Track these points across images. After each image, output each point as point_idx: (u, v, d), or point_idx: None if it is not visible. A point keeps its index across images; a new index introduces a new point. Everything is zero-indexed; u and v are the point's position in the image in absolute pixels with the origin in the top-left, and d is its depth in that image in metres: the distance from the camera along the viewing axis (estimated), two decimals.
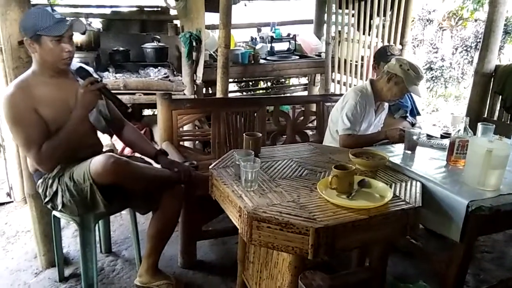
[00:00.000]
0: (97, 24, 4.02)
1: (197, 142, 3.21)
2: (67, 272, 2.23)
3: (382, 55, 2.96)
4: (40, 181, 1.91)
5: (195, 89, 3.42)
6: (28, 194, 2.13)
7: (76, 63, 1.97)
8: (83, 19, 3.62)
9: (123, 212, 2.52)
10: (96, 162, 1.76)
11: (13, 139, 1.89)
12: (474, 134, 1.93)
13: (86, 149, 1.94)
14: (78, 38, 3.28)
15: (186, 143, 2.85)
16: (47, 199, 1.89)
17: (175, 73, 3.51)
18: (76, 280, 2.17)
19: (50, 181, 1.86)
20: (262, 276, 1.79)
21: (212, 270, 2.29)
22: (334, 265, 1.99)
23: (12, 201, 3.03)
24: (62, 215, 1.96)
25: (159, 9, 4.27)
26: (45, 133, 1.78)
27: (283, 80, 5.96)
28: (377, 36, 3.90)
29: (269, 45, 4.26)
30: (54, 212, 1.98)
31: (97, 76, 1.99)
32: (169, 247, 2.14)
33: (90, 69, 2.05)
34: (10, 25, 1.84)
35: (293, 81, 6.17)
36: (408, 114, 2.95)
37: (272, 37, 4.36)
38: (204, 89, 4.03)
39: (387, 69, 2.39)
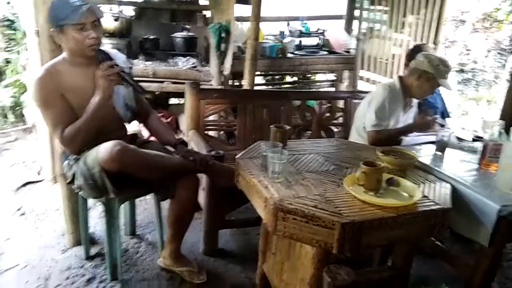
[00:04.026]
0: (129, 11, 4.07)
1: (221, 132, 3.23)
2: (93, 251, 2.29)
3: (416, 52, 2.90)
4: (65, 162, 1.97)
5: (222, 80, 3.45)
6: (59, 174, 2.20)
7: (107, 48, 2.00)
8: (115, 6, 3.68)
9: (147, 196, 2.56)
10: (103, 149, 1.76)
11: (43, 120, 1.94)
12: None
13: (109, 134, 1.93)
14: (110, 25, 3.34)
15: (211, 133, 2.87)
16: (68, 180, 1.96)
17: (203, 63, 3.54)
18: (101, 259, 2.23)
19: (71, 163, 1.92)
20: (283, 268, 1.79)
21: (233, 259, 2.31)
22: (356, 262, 1.98)
23: (42, 180, 3.13)
24: (82, 195, 2.02)
25: None
26: (70, 118, 1.83)
27: (309, 75, 5.92)
28: (409, 34, 3.83)
29: (297, 39, 4.25)
30: (81, 193, 2.04)
31: (122, 62, 1.98)
32: (192, 234, 2.17)
33: (122, 56, 2.08)
34: (47, 9, 1.87)
35: (320, 77, 6.11)
36: (438, 115, 2.89)
37: (301, 31, 4.34)
38: (230, 81, 4.05)
39: (416, 66, 2.35)
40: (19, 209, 2.80)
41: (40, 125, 2.89)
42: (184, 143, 2.13)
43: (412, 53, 3.00)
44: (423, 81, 2.33)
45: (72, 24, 1.74)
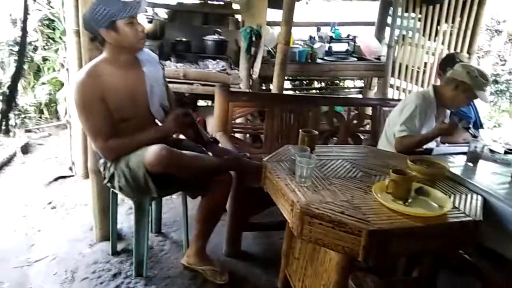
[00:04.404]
0: (163, 14, 4.16)
1: (247, 135, 3.25)
2: (119, 246, 2.34)
3: (450, 61, 2.85)
4: (101, 160, 2.01)
5: (250, 84, 3.46)
6: (91, 170, 2.26)
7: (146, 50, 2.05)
8: (149, 8, 3.77)
9: (174, 195, 2.61)
10: (150, 153, 1.81)
11: (81, 123, 1.97)
12: None
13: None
14: (145, 26, 3.42)
15: (237, 135, 2.89)
16: (105, 181, 2.00)
17: (232, 66, 3.57)
18: (127, 255, 2.27)
19: (109, 163, 1.96)
20: (306, 273, 1.79)
21: (255, 262, 2.31)
22: (379, 270, 1.95)
23: (73, 175, 3.23)
24: (120, 194, 2.07)
25: (222, 3, 4.35)
26: (111, 125, 1.87)
27: (337, 81, 5.88)
28: (443, 43, 3.75)
29: (327, 45, 4.22)
30: (112, 188, 2.09)
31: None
32: (215, 235, 2.19)
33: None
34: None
35: (348, 83, 6.06)
36: (471, 126, 2.82)
37: (331, 37, 4.31)
38: (258, 85, 4.07)
39: (453, 76, 2.30)
40: (50, 203, 2.89)
41: (74, 122, 2.98)
42: (216, 142, 2.16)
43: (445, 62, 2.95)
44: (459, 92, 2.28)
45: (124, 18, 1.78)
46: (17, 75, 3.39)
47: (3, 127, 3.19)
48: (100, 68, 1.87)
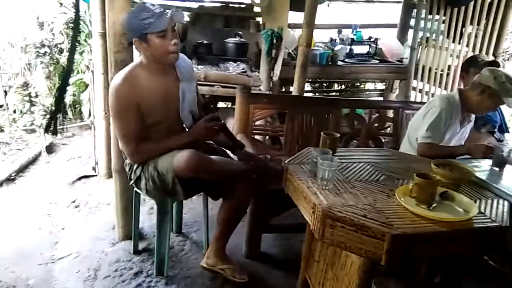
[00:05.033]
0: (185, 17, 4.22)
1: (267, 137, 3.26)
2: (141, 246, 2.38)
3: (472, 62, 2.79)
4: (127, 160, 2.03)
5: (270, 86, 3.47)
6: (115, 170, 2.30)
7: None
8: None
9: (193, 196, 2.63)
10: (180, 158, 1.83)
11: (113, 128, 2.00)
12: None
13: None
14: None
15: (257, 137, 2.90)
16: (131, 182, 2.03)
17: (252, 68, 3.58)
18: (148, 254, 2.31)
19: (135, 166, 1.98)
20: (326, 276, 1.78)
21: (275, 264, 2.32)
22: (400, 275, 1.93)
23: (96, 175, 3.30)
24: (145, 196, 2.10)
25: (244, 5, 4.37)
26: (142, 130, 1.89)
27: (358, 84, 5.83)
28: (467, 46, 3.68)
29: (348, 47, 4.19)
30: (136, 189, 2.12)
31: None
32: (235, 236, 2.19)
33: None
34: (116, 12, 1.98)
35: (369, 86, 6.00)
36: (496, 130, 2.76)
37: (352, 39, 4.28)
38: (279, 87, 4.07)
39: (480, 81, 2.25)
40: (73, 202, 2.96)
41: (98, 123, 3.05)
42: (242, 146, 2.18)
43: (468, 64, 2.90)
44: (485, 97, 2.23)
45: (157, 31, 1.78)
46: (66, 76, 3.39)
47: (52, 127, 3.23)
48: (137, 74, 1.88)
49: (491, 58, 3.27)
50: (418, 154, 2.25)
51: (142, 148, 1.90)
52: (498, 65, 2.72)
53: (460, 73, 3.08)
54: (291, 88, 3.40)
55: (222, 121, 2.01)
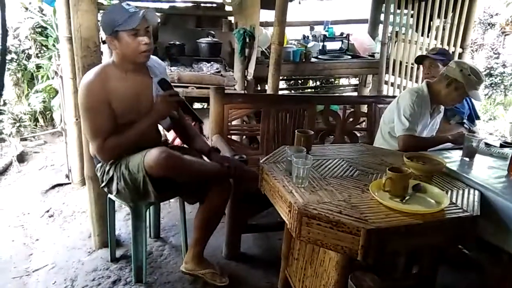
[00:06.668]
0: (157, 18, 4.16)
1: (243, 137, 3.25)
2: (118, 253, 2.33)
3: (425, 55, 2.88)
4: (99, 165, 2.00)
5: (245, 85, 3.46)
6: (88, 176, 2.25)
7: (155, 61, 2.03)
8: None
9: (171, 200, 2.60)
10: (150, 156, 1.81)
11: (82, 126, 1.96)
12: None
13: (148, 142, 1.96)
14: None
15: (234, 138, 2.89)
16: (103, 184, 1.99)
17: (226, 68, 3.57)
18: (126, 262, 2.26)
19: (108, 167, 1.94)
20: (306, 273, 1.79)
21: (255, 264, 2.31)
22: (379, 269, 1.95)
23: (70, 183, 3.22)
24: (116, 199, 2.06)
25: (215, 5, 4.35)
26: (112, 127, 1.86)
27: (332, 80, 5.89)
28: (435, 38, 3.76)
29: (321, 43, 4.23)
30: (110, 196, 2.08)
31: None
32: (214, 238, 2.18)
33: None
34: (81, 15, 1.94)
35: (343, 81, 6.07)
36: (465, 120, 2.83)
37: (324, 35, 4.32)
38: (253, 86, 4.07)
39: (447, 73, 2.29)
40: (47, 211, 2.89)
41: (70, 129, 2.97)
42: (218, 150, 2.16)
43: (422, 57, 2.97)
44: (451, 89, 2.27)
45: (127, 30, 1.77)
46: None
47: None
48: (108, 72, 1.87)
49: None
50: (401, 147, 2.25)
51: (109, 143, 1.86)
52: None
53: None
54: (266, 87, 3.40)
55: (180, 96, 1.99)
